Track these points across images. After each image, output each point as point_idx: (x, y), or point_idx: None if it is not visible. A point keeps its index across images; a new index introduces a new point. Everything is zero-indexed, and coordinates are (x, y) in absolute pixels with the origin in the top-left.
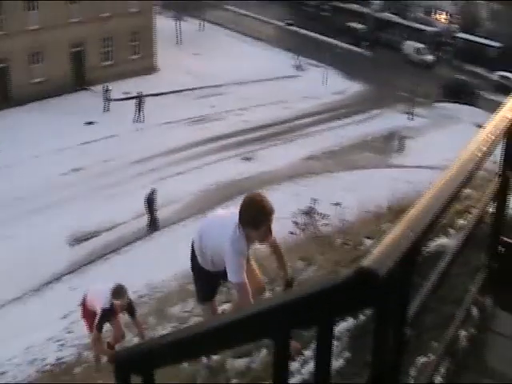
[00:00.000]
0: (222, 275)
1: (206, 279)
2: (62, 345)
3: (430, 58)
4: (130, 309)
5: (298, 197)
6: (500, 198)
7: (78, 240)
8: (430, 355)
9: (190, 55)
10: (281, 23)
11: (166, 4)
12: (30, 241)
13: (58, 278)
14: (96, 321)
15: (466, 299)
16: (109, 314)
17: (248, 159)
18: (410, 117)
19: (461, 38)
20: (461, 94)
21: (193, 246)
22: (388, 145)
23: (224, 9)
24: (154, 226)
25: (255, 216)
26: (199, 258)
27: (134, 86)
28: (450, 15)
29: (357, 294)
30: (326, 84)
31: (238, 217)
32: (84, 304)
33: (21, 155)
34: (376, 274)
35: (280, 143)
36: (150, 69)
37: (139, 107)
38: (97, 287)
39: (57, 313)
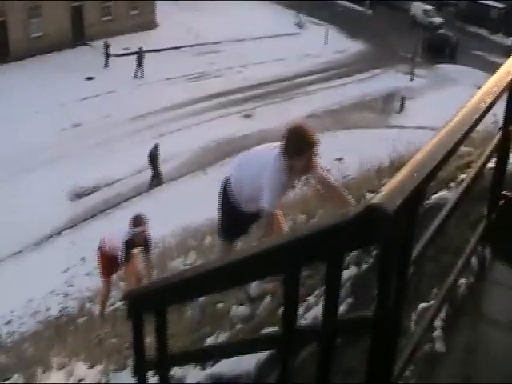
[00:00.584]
0: (253, 218)
1: (235, 218)
2: (63, 297)
3: (438, 19)
4: (146, 242)
5: None
6: (501, 152)
7: (78, 195)
8: (430, 301)
9: (189, 12)
10: None
11: None
12: (30, 196)
13: (58, 233)
14: (120, 255)
15: (466, 249)
16: (131, 244)
17: (248, 116)
18: (411, 77)
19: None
20: (443, 48)
21: (226, 183)
22: (388, 105)
23: None
24: (157, 180)
25: (298, 142)
26: (233, 195)
27: (133, 41)
28: None
29: (366, 229)
30: (327, 42)
31: (279, 148)
32: (101, 248)
33: (19, 111)
34: (385, 210)
35: (280, 101)
36: (149, 25)
37: (139, 63)
38: (114, 229)
39: (58, 267)
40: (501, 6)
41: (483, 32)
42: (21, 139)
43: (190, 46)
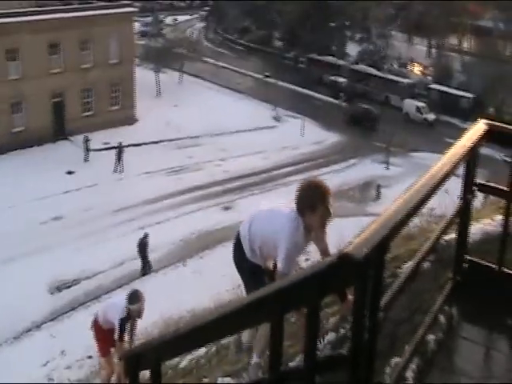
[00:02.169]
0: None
1: (254, 273)
2: None
3: (431, 116)
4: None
5: None
6: (462, 218)
7: (59, 288)
8: (402, 356)
9: (169, 106)
10: (259, 75)
11: (145, 56)
12: (9, 289)
13: (38, 326)
14: (116, 333)
15: (433, 308)
16: (127, 322)
17: (227, 209)
18: (386, 166)
19: (434, 89)
20: (364, 120)
21: (238, 239)
22: (365, 193)
23: (203, 61)
24: (147, 269)
25: (311, 196)
26: (247, 250)
27: (113, 136)
28: (425, 67)
29: (340, 275)
30: (304, 134)
31: (293, 206)
32: (95, 324)
33: (0, 204)
34: (354, 258)
35: (259, 193)
36: (129, 119)
37: (119, 157)
38: (109, 302)
39: (37, 360)
40: (470, 95)
41: (455, 121)
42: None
43: (170, 140)
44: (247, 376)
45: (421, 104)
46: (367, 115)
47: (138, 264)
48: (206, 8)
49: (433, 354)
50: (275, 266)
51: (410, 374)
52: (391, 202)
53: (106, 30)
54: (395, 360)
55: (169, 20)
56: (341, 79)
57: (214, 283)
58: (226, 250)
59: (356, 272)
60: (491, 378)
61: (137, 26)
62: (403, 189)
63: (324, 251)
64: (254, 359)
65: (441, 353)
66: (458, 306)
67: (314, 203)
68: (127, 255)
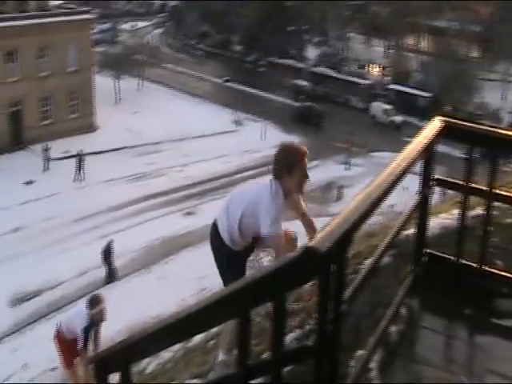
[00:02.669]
0: (248, 252)
1: (232, 261)
2: None
3: (398, 118)
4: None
5: None
6: (421, 212)
7: (20, 300)
8: (366, 349)
9: (129, 113)
10: (219, 79)
11: (104, 63)
12: None
13: None
14: (80, 343)
15: (394, 301)
16: (90, 329)
17: (190, 214)
18: (346, 166)
19: (393, 90)
20: (310, 117)
21: (215, 227)
22: (327, 194)
23: (162, 67)
24: (112, 277)
25: (288, 159)
26: (226, 236)
27: (73, 144)
28: (383, 68)
29: (305, 269)
30: (265, 138)
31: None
32: (58, 335)
33: None
34: (318, 251)
35: (221, 197)
36: (89, 127)
37: (79, 166)
38: (71, 311)
39: None
40: (427, 94)
41: (413, 120)
42: None
43: (131, 146)
44: (213, 374)
45: (388, 107)
46: (312, 112)
47: (102, 272)
48: (165, 13)
49: (395, 345)
50: (256, 241)
51: (374, 365)
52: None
53: (64, 38)
54: (359, 353)
55: (127, 26)
56: (301, 82)
57: (179, 288)
58: (191, 255)
59: (320, 265)
60: (452, 365)
61: (95, 32)
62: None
63: (303, 215)
64: (221, 356)
65: (403, 343)
66: (418, 297)
67: (290, 166)
68: (91, 263)
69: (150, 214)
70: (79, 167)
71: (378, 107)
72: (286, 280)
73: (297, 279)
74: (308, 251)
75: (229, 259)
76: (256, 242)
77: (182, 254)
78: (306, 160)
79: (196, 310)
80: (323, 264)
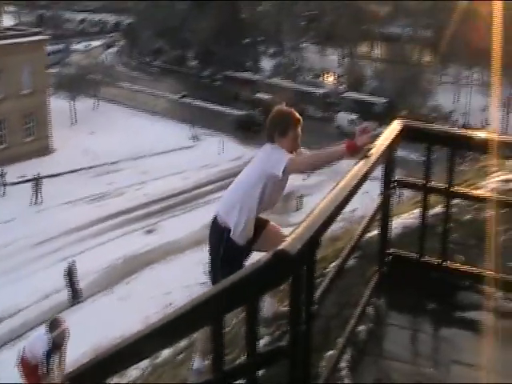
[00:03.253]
0: (248, 252)
1: (234, 255)
2: None
3: None
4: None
5: (203, 263)
6: (383, 214)
7: None
8: (336, 349)
9: (85, 134)
10: (175, 96)
11: (59, 84)
12: None
13: None
14: (43, 367)
15: (361, 300)
16: (53, 352)
17: (150, 232)
18: (305, 176)
19: (348, 97)
20: (250, 125)
21: (215, 220)
22: (287, 204)
23: (118, 86)
24: (76, 298)
25: (283, 121)
26: (226, 220)
27: (30, 168)
28: (338, 76)
29: (276, 272)
30: (223, 152)
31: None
32: (22, 361)
33: None
34: (289, 254)
35: (181, 213)
36: (45, 150)
37: (36, 189)
38: (34, 336)
39: None
40: (382, 100)
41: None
42: None
43: (89, 167)
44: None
45: (353, 116)
46: (252, 120)
47: (65, 294)
48: (119, 32)
49: (364, 343)
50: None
51: (344, 365)
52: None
53: (17, 60)
54: (329, 353)
55: (81, 46)
56: (257, 94)
57: (142, 307)
58: (153, 272)
59: (291, 267)
60: (419, 358)
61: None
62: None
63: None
64: (195, 364)
65: (371, 341)
66: (384, 296)
67: (284, 128)
68: (53, 287)
69: (111, 234)
70: (36, 191)
71: (344, 118)
72: (259, 284)
73: (269, 282)
74: (279, 254)
75: (228, 255)
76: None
77: (143, 273)
78: (300, 129)
79: (170, 320)
80: (294, 266)
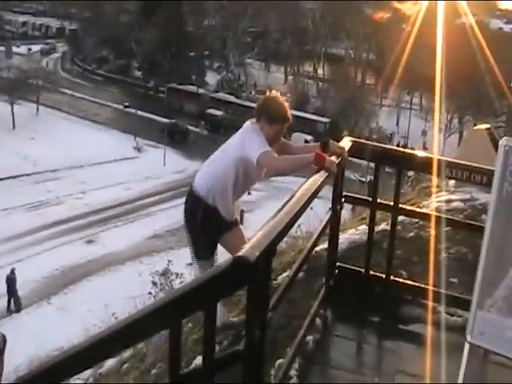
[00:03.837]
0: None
1: (212, 227)
2: None
3: None
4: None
5: (143, 275)
6: (332, 229)
7: None
8: (285, 358)
9: (25, 140)
10: (119, 105)
11: None
12: None
13: None
14: None
15: (310, 312)
16: None
17: (90, 242)
18: (248, 192)
19: (292, 115)
20: (175, 133)
21: (192, 199)
22: None
23: (60, 92)
24: (16, 306)
25: (275, 110)
26: (203, 190)
27: None
28: (281, 93)
29: (234, 278)
30: (166, 164)
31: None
32: None
33: None
34: (248, 261)
35: (122, 224)
36: None
37: None
38: None
39: None
40: (325, 119)
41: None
42: None
43: (27, 174)
44: None
45: (308, 137)
46: (176, 129)
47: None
48: (62, 38)
49: (312, 353)
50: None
51: (293, 373)
52: (257, 225)
53: None
54: (279, 361)
55: (22, 50)
56: (201, 108)
57: (81, 319)
58: (92, 284)
59: (249, 273)
60: (364, 368)
61: None
62: (266, 212)
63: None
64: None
65: (319, 351)
66: (331, 308)
67: (274, 117)
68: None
69: (50, 243)
70: None
71: (300, 137)
72: (217, 289)
73: (227, 288)
74: (238, 261)
75: (210, 222)
76: None
77: (82, 284)
78: (285, 127)
79: (128, 322)
80: (252, 273)
